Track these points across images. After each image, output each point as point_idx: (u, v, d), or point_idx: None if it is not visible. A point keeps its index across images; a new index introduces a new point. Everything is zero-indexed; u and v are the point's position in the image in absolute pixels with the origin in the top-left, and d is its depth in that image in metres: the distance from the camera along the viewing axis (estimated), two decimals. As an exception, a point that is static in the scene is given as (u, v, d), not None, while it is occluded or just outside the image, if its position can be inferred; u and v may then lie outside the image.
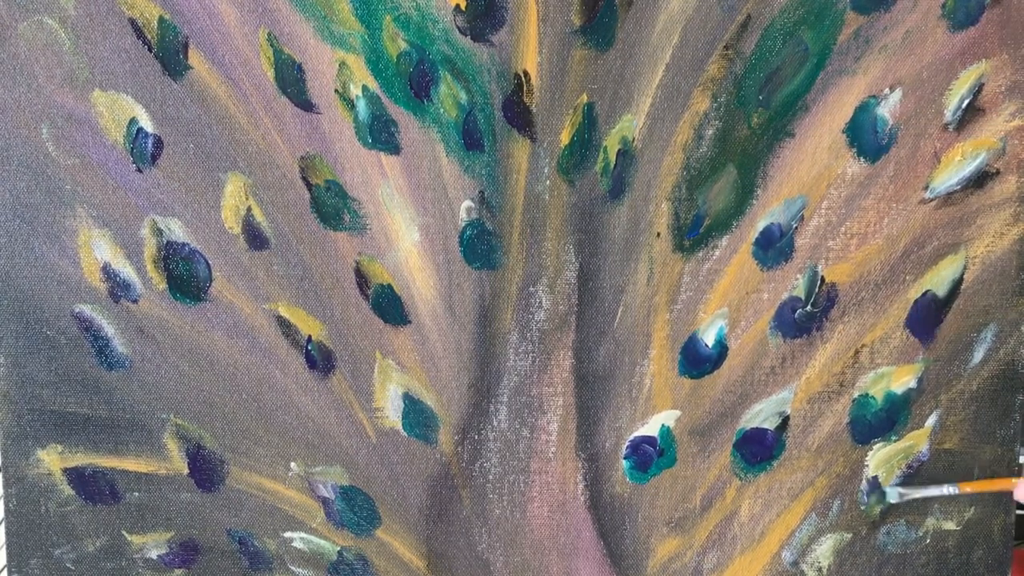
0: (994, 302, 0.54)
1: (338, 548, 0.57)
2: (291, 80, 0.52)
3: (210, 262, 0.54)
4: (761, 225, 0.54)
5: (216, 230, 0.53)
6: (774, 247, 0.54)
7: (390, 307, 0.54)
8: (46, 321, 0.54)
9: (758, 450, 0.56)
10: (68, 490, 0.55)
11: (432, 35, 0.51)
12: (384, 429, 0.56)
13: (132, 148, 0.52)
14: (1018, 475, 0.56)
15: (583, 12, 0.51)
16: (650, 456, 0.56)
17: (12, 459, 0.55)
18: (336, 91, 0.52)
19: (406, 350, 0.55)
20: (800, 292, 0.54)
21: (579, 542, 0.57)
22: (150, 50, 0.51)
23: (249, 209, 0.53)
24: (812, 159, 0.53)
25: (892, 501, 0.56)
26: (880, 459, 0.56)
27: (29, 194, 0.52)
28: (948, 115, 0.52)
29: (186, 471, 0.56)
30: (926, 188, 0.53)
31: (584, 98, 0.52)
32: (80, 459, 0.55)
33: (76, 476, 0.55)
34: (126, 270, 0.53)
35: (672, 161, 0.53)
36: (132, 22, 0.51)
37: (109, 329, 0.54)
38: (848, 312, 0.54)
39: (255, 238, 0.53)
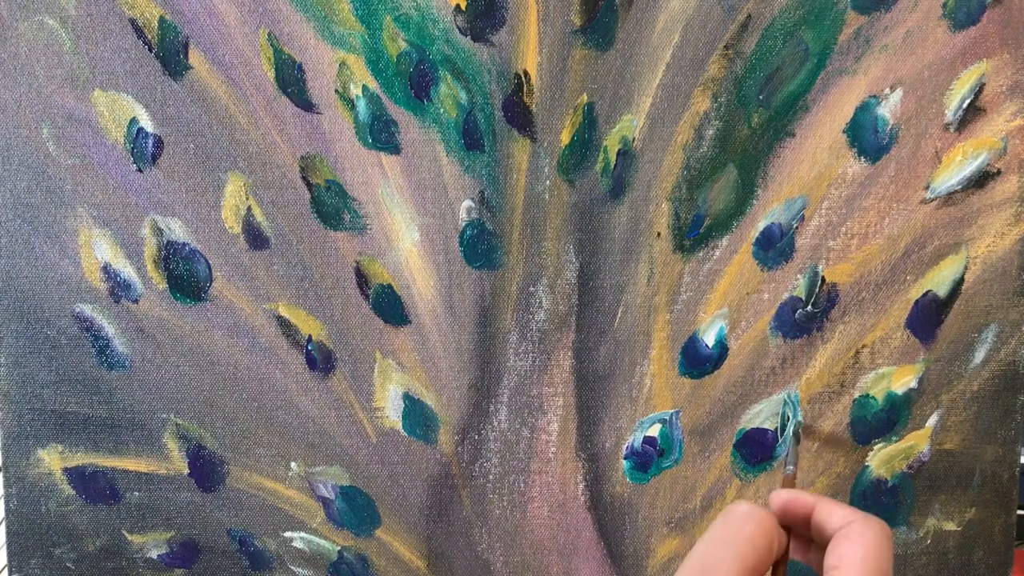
0: (995, 302, 0.54)
1: (338, 548, 0.57)
2: (291, 80, 0.52)
3: (210, 262, 0.54)
4: (761, 225, 0.53)
5: (216, 230, 0.53)
6: (774, 247, 0.54)
7: (390, 307, 0.54)
8: (47, 321, 0.54)
9: (758, 450, 0.56)
10: (68, 490, 0.56)
11: (432, 35, 0.51)
12: (384, 429, 0.56)
13: (132, 148, 0.52)
14: (1019, 476, 0.56)
15: (583, 12, 0.51)
16: (650, 456, 0.56)
17: (12, 459, 0.55)
18: (336, 91, 0.52)
19: (406, 350, 0.55)
20: (800, 292, 0.54)
21: (579, 542, 0.57)
22: (150, 50, 0.51)
23: (249, 209, 0.53)
24: (812, 159, 0.53)
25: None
26: (881, 459, 0.56)
27: (30, 194, 0.52)
28: (949, 115, 0.52)
29: (186, 471, 0.56)
30: (927, 188, 0.53)
31: (584, 98, 0.52)
32: (80, 459, 0.55)
33: (76, 476, 0.55)
34: (126, 270, 0.53)
35: (672, 161, 0.53)
36: (132, 22, 0.51)
37: (109, 329, 0.54)
38: (848, 312, 0.54)
39: (255, 238, 0.53)
